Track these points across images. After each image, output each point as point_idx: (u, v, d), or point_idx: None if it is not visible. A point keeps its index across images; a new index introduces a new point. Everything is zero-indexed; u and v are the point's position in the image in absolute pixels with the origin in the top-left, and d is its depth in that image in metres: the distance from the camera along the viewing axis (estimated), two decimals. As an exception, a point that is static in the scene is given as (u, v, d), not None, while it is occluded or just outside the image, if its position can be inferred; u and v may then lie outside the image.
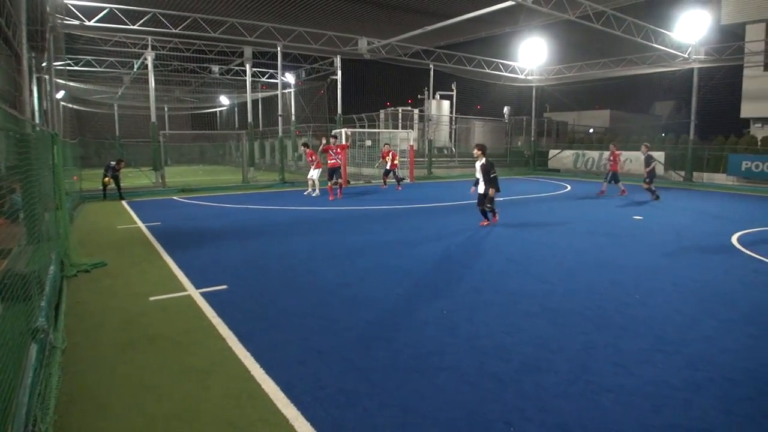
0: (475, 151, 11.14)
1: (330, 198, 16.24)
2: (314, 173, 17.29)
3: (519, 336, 5.05)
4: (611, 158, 17.54)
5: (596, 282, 7.04)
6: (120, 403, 3.79)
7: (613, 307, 5.95)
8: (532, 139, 31.54)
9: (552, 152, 30.30)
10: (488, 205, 11.25)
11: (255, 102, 31.26)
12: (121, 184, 16.81)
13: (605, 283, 6.96)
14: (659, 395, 3.90)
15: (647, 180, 16.30)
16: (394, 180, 20.26)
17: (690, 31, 20.70)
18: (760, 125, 23.85)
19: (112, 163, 16.45)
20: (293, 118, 26.88)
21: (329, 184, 16.34)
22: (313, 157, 17.23)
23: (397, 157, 20.05)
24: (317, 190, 17.40)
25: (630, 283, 7.01)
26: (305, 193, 17.65)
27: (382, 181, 20.72)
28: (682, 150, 24.11)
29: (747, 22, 22.95)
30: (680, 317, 5.64)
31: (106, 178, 16.35)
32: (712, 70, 23.38)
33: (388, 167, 19.73)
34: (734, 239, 10.14)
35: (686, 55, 22.35)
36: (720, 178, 22.76)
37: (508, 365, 4.41)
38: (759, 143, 22.45)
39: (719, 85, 24.66)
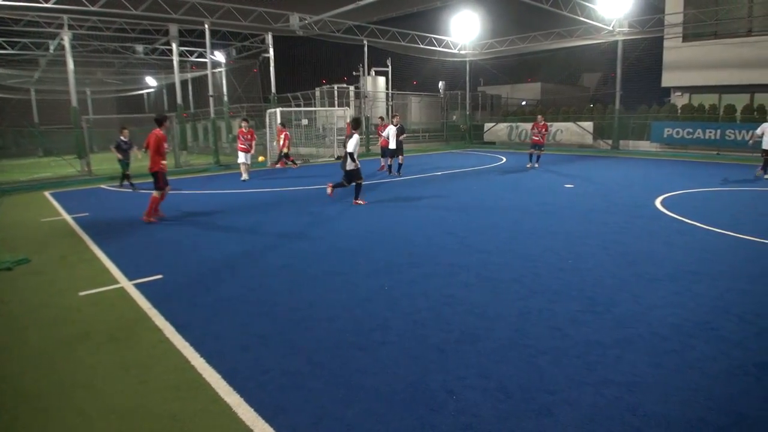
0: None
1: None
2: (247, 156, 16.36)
3: (458, 306, 5.16)
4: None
5: (531, 249, 7.28)
6: (54, 404, 3.61)
7: (548, 273, 6.18)
8: (467, 113, 31.98)
9: (487, 125, 30.84)
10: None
11: (184, 83, 29.85)
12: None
13: (539, 250, 7.21)
14: (591, 353, 4.10)
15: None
16: (288, 161, 19.96)
17: (614, 4, 21.41)
18: (680, 94, 25.10)
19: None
20: (225, 98, 26.04)
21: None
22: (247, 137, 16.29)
23: (289, 139, 19.95)
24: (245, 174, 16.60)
25: (563, 249, 7.29)
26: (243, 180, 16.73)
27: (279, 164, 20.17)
28: (609, 120, 25.15)
29: (666, -6, 23.91)
30: (610, 279, 5.93)
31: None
32: (635, 42, 24.36)
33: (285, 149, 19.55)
34: (658, 202, 10.73)
35: (611, 28, 23.15)
36: (644, 145, 24.01)
37: (448, 335, 4.50)
38: (679, 111, 23.73)
39: (642, 56, 25.75)
